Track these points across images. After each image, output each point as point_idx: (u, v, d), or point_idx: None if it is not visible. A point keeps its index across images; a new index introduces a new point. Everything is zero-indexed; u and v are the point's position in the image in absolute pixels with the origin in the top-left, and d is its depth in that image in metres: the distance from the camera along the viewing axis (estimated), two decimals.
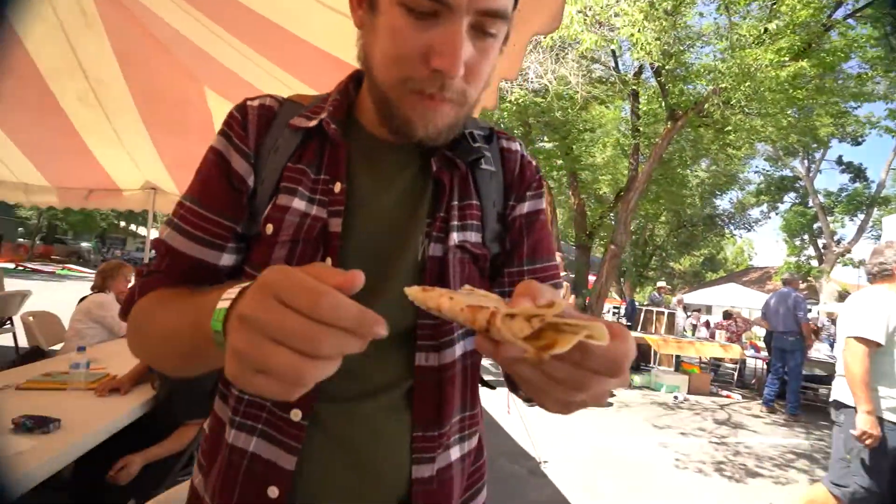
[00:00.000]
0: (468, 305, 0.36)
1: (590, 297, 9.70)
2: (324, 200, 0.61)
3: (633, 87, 9.56)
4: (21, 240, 28.41)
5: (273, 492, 0.56)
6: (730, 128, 8.94)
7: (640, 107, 9.69)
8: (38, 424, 1.42)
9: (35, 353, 2.94)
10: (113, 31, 3.05)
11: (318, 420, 0.58)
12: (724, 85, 7.43)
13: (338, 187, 0.61)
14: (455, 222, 0.64)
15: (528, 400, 0.66)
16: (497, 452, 3.94)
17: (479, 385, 0.72)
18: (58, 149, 4.23)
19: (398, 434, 0.61)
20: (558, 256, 6.05)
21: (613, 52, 9.70)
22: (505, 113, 9.56)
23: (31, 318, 3.18)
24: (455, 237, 0.63)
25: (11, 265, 18.15)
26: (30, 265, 19.75)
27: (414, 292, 0.40)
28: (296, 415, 0.57)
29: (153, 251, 0.62)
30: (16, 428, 1.40)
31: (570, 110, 9.70)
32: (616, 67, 10.20)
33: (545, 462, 3.85)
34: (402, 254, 0.62)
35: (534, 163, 0.75)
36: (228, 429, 0.59)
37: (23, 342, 4.02)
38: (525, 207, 0.71)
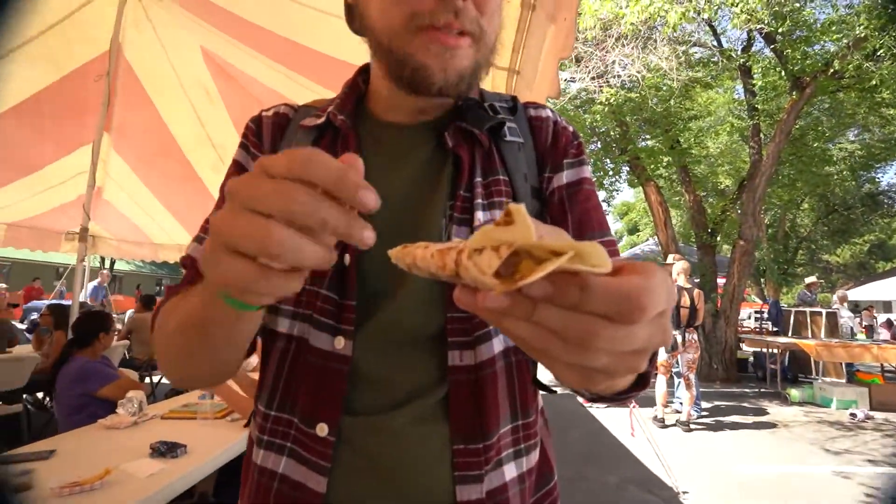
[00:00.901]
0: (438, 249, 0.29)
1: (722, 302, 8.56)
2: None
3: (742, 62, 8.50)
4: None
5: None
6: (877, 83, 7.41)
7: (755, 82, 8.56)
8: (169, 450, 1.59)
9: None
10: (229, 103, 3.55)
11: (346, 436, 0.52)
12: (863, 34, 6.24)
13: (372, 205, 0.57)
14: (480, 200, 0.56)
15: (593, 399, 0.54)
16: (624, 479, 3.55)
17: (535, 388, 0.60)
18: (195, 209, 4.93)
19: (436, 449, 0.52)
20: (680, 266, 5.45)
21: (711, 26, 8.78)
22: (597, 116, 9.12)
23: None
24: (481, 216, 0.55)
25: None
26: None
27: (395, 252, 0.34)
28: (321, 429, 0.52)
29: (183, 269, 0.62)
30: (152, 452, 1.59)
31: (670, 101, 8.93)
32: (718, 43, 9.20)
33: (685, 493, 3.37)
34: (422, 240, 0.55)
35: (570, 128, 0.64)
36: (256, 449, 0.56)
37: None
38: (564, 178, 0.61)
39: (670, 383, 5.49)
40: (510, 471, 0.54)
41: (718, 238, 10.15)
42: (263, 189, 0.29)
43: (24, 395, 3.81)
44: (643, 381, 0.46)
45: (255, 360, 2.18)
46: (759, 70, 8.72)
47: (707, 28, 8.90)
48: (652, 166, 9.58)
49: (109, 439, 1.82)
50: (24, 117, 3.39)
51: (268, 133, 0.63)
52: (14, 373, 3.52)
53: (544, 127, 0.63)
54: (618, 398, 0.50)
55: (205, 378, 0.57)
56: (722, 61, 8.78)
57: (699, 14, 6.92)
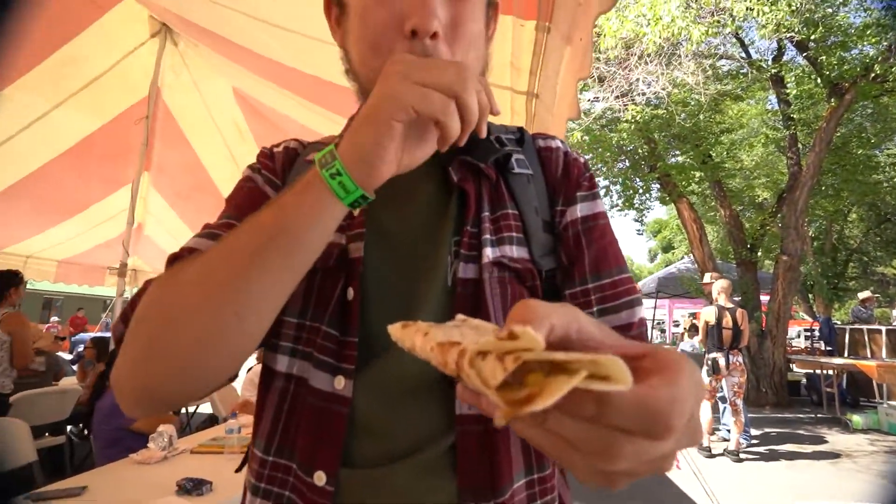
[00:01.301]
0: (438, 343, 0.26)
1: (767, 320, 8.10)
2: (342, 225, 0.53)
3: (774, 72, 8.27)
4: None
5: None
6: None
7: (788, 92, 8.29)
8: (195, 487, 1.58)
9: (213, 419, 3.43)
10: (259, 138, 3.70)
11: (345, 488, 0.48)
12: None
13: (356, 210, 0.55)
14: (488, 236, 0.53)
15: None
16: None
17: None
18: None
19: None
20: (720, 284, 5.18)
21: (739, 38, 8.61)
22: (624, 134, 9.01)
23: None
24: (489, 253, 0.52)
25: None
26: None
27: (395, 329, 0.31)
28: (319, 478, 0.48)
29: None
30: (179, 490, 1.58)
31: (699, 115, 8.74)
32: (746, 55, 9.00)
33: None
34: (431, 280, 0.52)
35: (581, 160, 0.61)
36: (251, 497, 0.53)
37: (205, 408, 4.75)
38: (578, 211, 0.58)
39: (715, 409, 5.18)
40: None
41: (759, 253, 9.70)
42: (449, 68, 0.41)
43: (69, 427, 3.94)
44: None
45: None
46: (793, 79, 8.45)
47: (734, 40, 8.74)
48: (683, 182, 9.33)
49: (140, 475, 1.83)
50: (73, 161, 3.63)
51: (279, 162, 0.63)
52: (59, 405, 3.65)
53: (554, 158, 0.61)
54: None
55: (210, 355, 0.46)
56: (751, 73, 8.57)
57: (724, 28, 6.80)
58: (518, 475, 0.50)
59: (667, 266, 17.81)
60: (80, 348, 7.25)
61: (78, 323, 13.12)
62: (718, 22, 6.35)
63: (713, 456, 4.85)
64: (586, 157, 10.13)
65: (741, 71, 8.99)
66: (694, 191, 10.34)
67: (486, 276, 0.52)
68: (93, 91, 3.06)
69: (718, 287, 5.29)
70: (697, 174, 9.35)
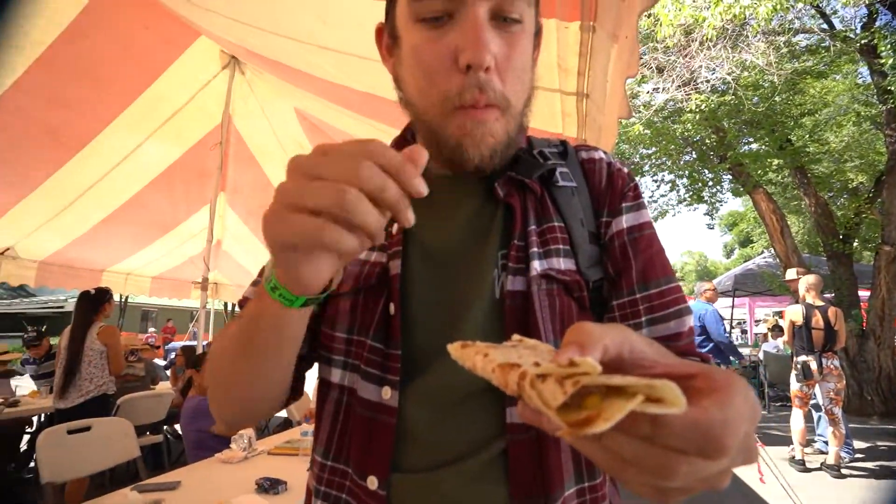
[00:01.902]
0: (499, 364, 0.28)
1: (869, 319, 7.25)
2: (383, 244, 0.58)
3: (864, 42, 7.43)
4: None
5: None
6: None
7: (883, 62, 7.42)
8: (271, 486, 1.69)
9: (287, 423, 3.64)
10: None
11: (397, 492, 0.51)
12: None
13: (395, 228, 0.58)
14: (535, 249, 0.55)
15: None
16: None
17: None
18: None
19: None
20: (807, 280, 4.67)
21: (818, 8, 7.84)
22: (689, 124, 8.49)
23: None
24: (537, 266, 0.53)
25: None
26: None
27: (454, 349, 0.33)
28: (372, 482, 0.51)
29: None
30: (257, 488, 1.70)
31: (774, 98, 8.05)
32: (829, 26, 8.16)
33: None
34: (476, 293, 0.54)
35: (625, 170, 0.61)
36: (314, 500, 0.57)
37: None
38: (623, 222, 0.58)
39: (808, 418, 4.68)
40: None
41: (855, 244, 8.73)
42: (332, 159, 0.34)
43: (165, 427, 4.36)
44: None
45: None
46: (888, 46, 7.54)
47: (812, 12, 7.98)
48: (759, 171, 8.62)
49: (224, 473, 1.99)
50: (160, 187, 4.03)
51: None
52: (156, 407, 4.05)
53: (598, 169, 0.61)
54: None
55: (249, 402, 0.56)
56: (835, 46, 7.76)
57: (797, 1, 6.19)
58: (569, 483, 0.51)
59: (745, 262, 16.49)
60: (172, 355, 7.99)
61: (168, 332, 14.47)
62: None
63: (808, 470, 4.40)
64: (651, 149, 9.67)
65: (822, 45, 8.17)
66: (771, 179, 9.52)
67: (535, 289, 0.53)
68: (175, 123, 3.40)
69: (806, 283, 4.78)
70: (775, 161, 8.59)
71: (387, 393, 0.53)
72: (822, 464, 4.46)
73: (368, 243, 0.36)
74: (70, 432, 2.24)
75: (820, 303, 4.64)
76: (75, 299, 3.77)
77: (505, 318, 0.52)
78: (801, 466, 4.44)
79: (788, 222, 8.94)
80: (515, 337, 0.35)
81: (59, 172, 3.41)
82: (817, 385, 4.47)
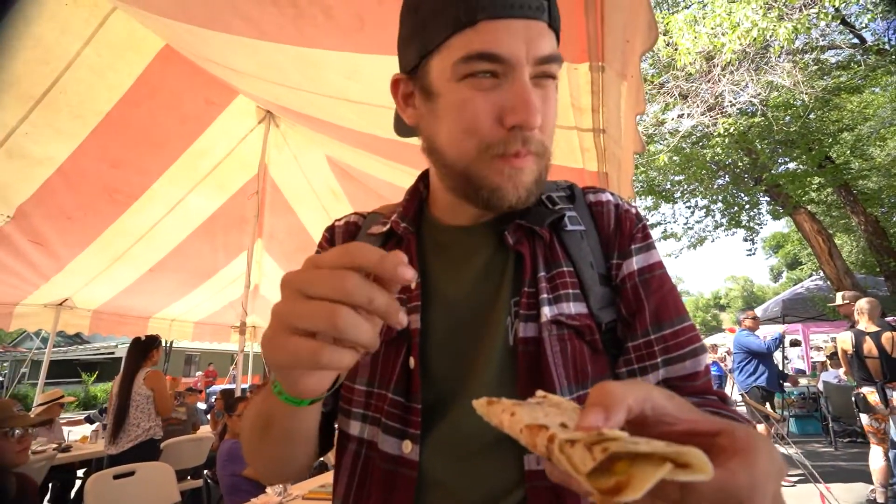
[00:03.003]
0: (527, 425, 0.29)
1: None
2: (401, 298, 0.60)
3: None
4: None
5: None
6: None
7: None
8: None
9: (322, 466, 3.62)
10: (352, 199, 4.07)
11: None
12: None
13: (413, 283, 0.60)
14: (545, 295, 0.56)
15: None
16: None
17: None
18: None
19: None
20: (860, 305, 4.35)
21: (847, 23, 7.70)
22: (718, 148, 8.35)
23: None
24: (547, 312, 0.55)
25: None
26: None
27: (480, 405, 0.35)
28: None
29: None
30: None
31: (808, 116, 7.85)
32: (860, 41, 7.98)
33: None
34: (490, 341, 0.55)
35: (633, 210, 0.63)
36: None
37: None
38: (634, 264, 0.59)
39: (889, 455, 4.18)
40: None
41: None
42: (319, 275, 0.35)
43: (205, 472, 4.41)
44: None
45: None
46: None
47: (840, 28, 7.86)
48: (798, 192, 8.30)
49: None
50: (202, 236, 4.27)
51: (339, 240, 0.70)
52: (196, 452, 4.12)
53: (606, 212, 0.63)
54: None
55: (278, 472, 0.61)
56: (868, 59, 7.56)
57: (818, 19, 6.09)
58: None
59: (794, 285, 15.62)
60: (213, 399, 8.16)
61: (210, 376, 14.84)
62: (808, 17, 5.73)
63: None
64: (679, 176, 9.51)
65: (853, 60, 7.98)
66: (813, 199, 9.13)
67: (546, 335, 0.54)
68: (216, 175, 3.63)
69: (858, 308, 4.44)
70: (815, 180, 8.27)
71: (407, 447, 0.53)
72: None
73: (364, 353, 0.38)
74: (116, 477, 2.32)
75: (874, 329, 4.24)
76: (124, 345, 3.96)
77: (518, 364, 0.53)
78: None
79: (838, 241, 8.51)
80: (539, 393, 0.36)
81: (112, 227, 3.68)
82: (890, 420, 4.07)
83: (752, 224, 10.24)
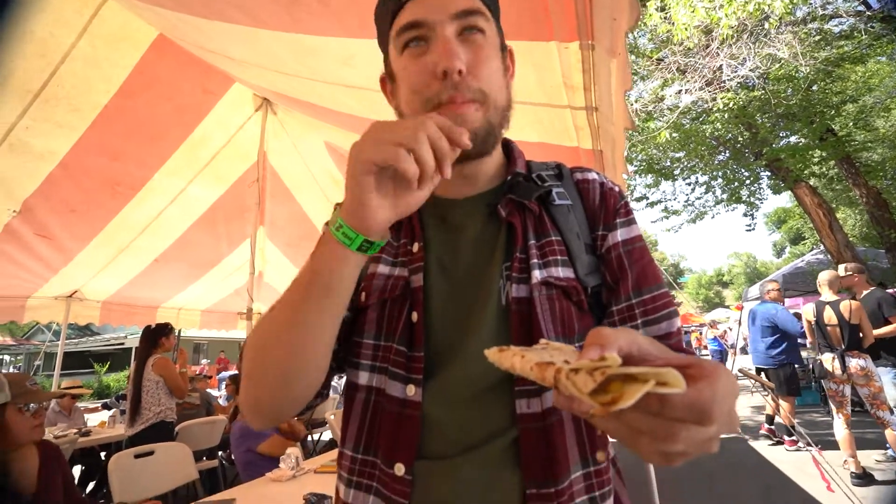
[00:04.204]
0: (536, 363, 0.36)
1: None
2: (404, 261, 0.66)
3: None
4: None
5: None
6: None
7: None
8: (318, 500, 1.77)
9: (332, 443, 3.75)
10: None
11: (421, 477, 0.58)
12: None
13: (416, 247, 0.66)
14: (536, 260, 0.62)
15: None
16: None
17: (604, 435, 0.60)
18: None
19: (508, 492, 0.56)
20: (823, 276, 4.35)
21: None
22: (718, 123, 8.28)
23: (331, 417, 4.10)
24: (538, 274, 0.61)
25: None
26: None
27: (491, 353, 0.42)
28: (399, 469, 0.58)
29: None
30: (305, 503, 1.78)
31: (811, 88, 7.76)
32: (866, 6, 7.81)
33: None
34: (485, 301, 0.62)
35: (616, 188, 0.69)
36: (346, 489, 0.64)
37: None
38: (618, 236, 0.66)
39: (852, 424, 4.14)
40: None
41: None
42: (407, 122, 0.47)
43: (220, 452, 4.55)
44: None
45: None
46: None
47: None
48: (799, 165, 8.27)
49: (274, 490, 2.10)
50: (205, 225, 4.32)
51: None
52: (211, 434, 4.26)
53: (591, 189, 0.69)
54: None
55: (280, 394, 0.59)
56: (872, 27, 7.43)
57: None
58: (575, 467, 0.56)
59: (797, 259, 15.62)
60: (223, 385, 8.33)
61: (222, 363, 15.18)
62: None
63: (872, 482, 3.93)
64: (679, 153, 9.45)
65: (857, 28, 7.84)
66: (814, 172, 9.09)
67: (536, 294, 0.60)
68: (215, 164, 3.66)
69: (819, 280, 4.50)
70: (816, 153, 8.23)
71: (411, 390, 0.60)
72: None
73: (421, 180, 0.48)
74: (136, 457, 2.42)
75: (832, 298, 4.28)
76: (134, 336, 4.06)
77: (511, 321, 0.60)
78: (859, 480, 3.90)
79: (840, 215, 8.50)
80: (542, 341, 0.44)
81: (116, 219, 3.74)
82: (853, 387, 4.09)
83: (752, 199, 10.23)
